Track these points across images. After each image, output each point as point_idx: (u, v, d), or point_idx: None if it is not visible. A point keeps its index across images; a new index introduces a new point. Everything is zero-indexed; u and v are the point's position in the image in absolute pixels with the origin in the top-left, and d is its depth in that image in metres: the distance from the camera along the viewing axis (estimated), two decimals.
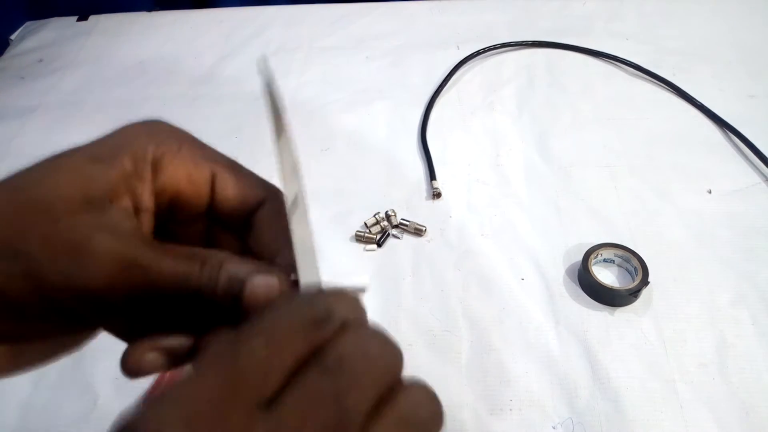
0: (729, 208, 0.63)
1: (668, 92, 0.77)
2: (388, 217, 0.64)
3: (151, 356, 0.25)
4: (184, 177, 0.26)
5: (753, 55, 0.81)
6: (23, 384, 0.54)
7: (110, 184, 0.24)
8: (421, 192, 0.67)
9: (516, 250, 0.61)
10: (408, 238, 0.63)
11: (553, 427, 0.48)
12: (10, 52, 0.93)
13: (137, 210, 0.25)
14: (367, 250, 0.62)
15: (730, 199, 0.64)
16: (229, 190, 0.26)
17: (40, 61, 0.89)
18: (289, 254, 0.25)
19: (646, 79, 0.79)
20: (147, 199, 0.25)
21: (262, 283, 0.24)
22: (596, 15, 0.90)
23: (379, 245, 0.62)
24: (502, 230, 0.63)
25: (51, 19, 0.98)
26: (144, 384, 0.52)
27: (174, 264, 0.23)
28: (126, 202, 0.24)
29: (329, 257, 0.61)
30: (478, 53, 0.83)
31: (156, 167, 0.25)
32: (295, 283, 0.25)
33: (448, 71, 0.81)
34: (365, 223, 0.63)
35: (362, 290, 0.25)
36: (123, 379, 0.57)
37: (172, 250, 0.24)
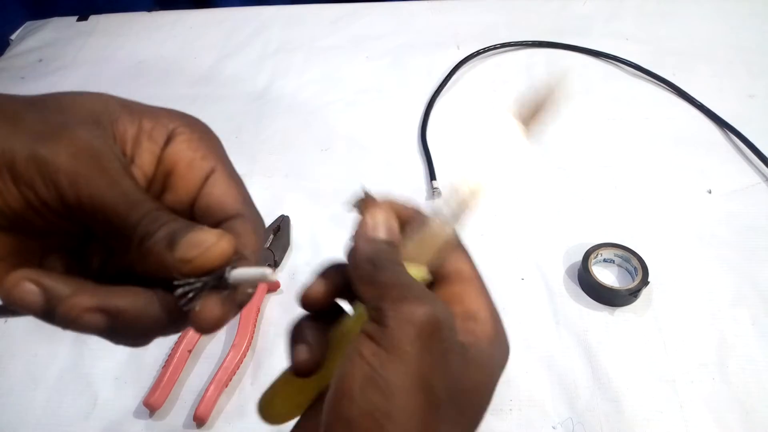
0: (729, 208, 0.63)
1: (668, 92, 0.77)
2: None
3: (28, 287, 0.22)
4: (186, 160, 0.26)
5: (753, 55, 0.81)
6: (23, 383, 0.54)
7: (121, 123, 0.25)
8: (421, 192, 0.67)
9: (516, 250, 0.61)
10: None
11: (553, 427, 0.48)
12: (10, 52, 0.93)
13: (131, 161, 0.26)
14: None
15: (730, 199, 0.64)
16: (217, 190, 0.26)
17: (40, 61, 0.90)
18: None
19: (646, 79, 0.79)
20: (147, 161, 0.26)
21: (202, 236, 0.23)
22: (596, 15, 0.90)
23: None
24: (502, 230, 0.63)
25: (51, 19, 0.98)
26: (144, 384, 0.52)
27: (132, 191, 0.23)
28: (126, 147, 0.26)
29: (329, 257, 0.61)
30: (478, 53, 0.83)
31: (170, 139, 0.26)
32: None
33: (448, 71, 0.81)
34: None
35: (269, 278, 0.24)
36: (123, 379, 0.57)
37: (135, 184, 0.24)
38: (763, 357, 0.51)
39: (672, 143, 0.70)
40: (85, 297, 0.22)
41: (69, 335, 0.56)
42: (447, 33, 0.89)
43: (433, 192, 0.66)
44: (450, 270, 0.29)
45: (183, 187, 0.26)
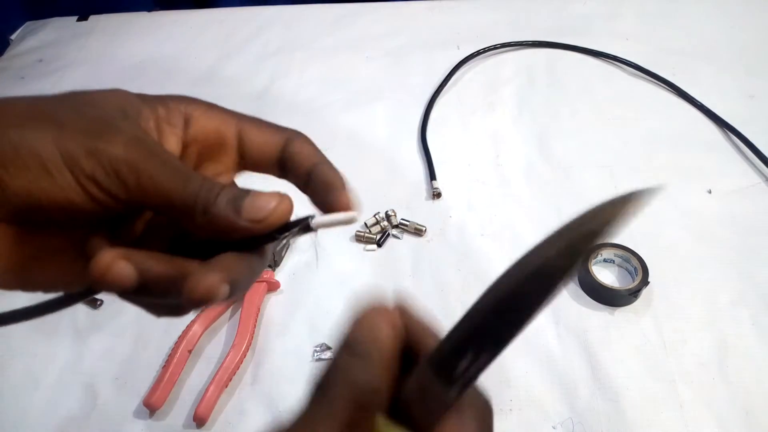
0: (729, 208, 0.63)
1: (668, 92, 0.77)
2: (388, 217, 0.64)
3: (122, 266, 0.24)
4: (213, 131, 0.28)
5: (753, 55, 0.81)
6: (23, 384, 0.54)
7: (143, 114, 0.27)
8: (421, 192, 0.67)
9: (516, 250, 0.60)
10: (408, 238, 0.63)
11: (553, 427, 0.48)
12: (10, 52, 0.93)
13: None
14: (367, 250, 0.62)
15: (730, 199, 0.64)
16: (254, 137, 0.29)
17: (40, 61, 0.90)
18: (323, 169, 0.28)
19: (646, 79, 0.79)
20: (173, 143, 0.28)
21: (264, 199, 0.25)
22: (596, 15, 0.90)
23: (379, 245, 0.62)
24: (502, 230, 0.63)
25: (51, 19, 0.98)
26: (144, 384, 0.52)
27: (182, 167, 0.25)
28: (152, 135, 0.27)
29: (329, 257, 0.61)
30: (478, 53, 0.83)
31: (187, 122, 0.28)
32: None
33: (448, 71, 0.81)
34: (365, 223, 0.63)
35: (352, 220, 0.27)
36: (123, 379, 0.57)
37: (182, 164, 0.26)
38: (763, 357, 0.51)
39: (672, 143, 0.70)
40: (213, 273, 0.24)
41: (69, 335, 0.56)
42: (447, 33, 0.89)
43: (434, 192, 0.66)
44: None
45: (223, 152, 0.29)
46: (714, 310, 0.55)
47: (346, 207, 0.27)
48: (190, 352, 0.54)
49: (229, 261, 0.25)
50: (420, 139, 0.73)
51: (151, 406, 0.50)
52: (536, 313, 0.20)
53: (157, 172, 0.24)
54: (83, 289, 0.27)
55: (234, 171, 0.30)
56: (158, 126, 0.28)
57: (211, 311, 0.56)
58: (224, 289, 0.24)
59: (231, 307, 0.58)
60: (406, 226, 0.63)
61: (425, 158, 0.70)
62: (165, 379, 0.51)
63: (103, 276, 0.24)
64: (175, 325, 0.56)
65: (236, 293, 0.25)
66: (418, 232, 0.63)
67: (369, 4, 0.96)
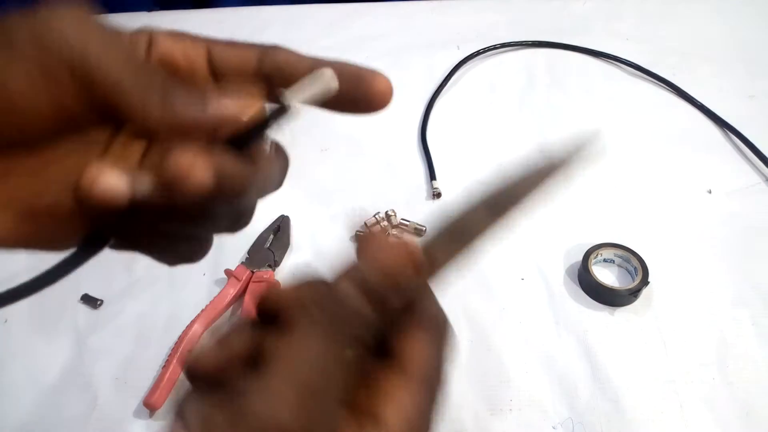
0: (729, 208, 0.63)
1: (668, 92, 0.77)
2: (388, 217, 0.64)
3: (114, 180, 0.21)
4: (180, 53, 0.25)
5: (753, 55, 0.81)
6: (23, 384, 0.54)
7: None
8: (421, 192, 0.67)
9: (516, 250, 0.61)
10: (408, 238, 0.63)
11: (553, 427, 0.48)
12: None
13: None
14: None
15: (730, 199, 0.64)
16: (226, 56, 0.26)
17: None
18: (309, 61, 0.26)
19: (646, 79, 0.79)
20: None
21: (234, 91, 0.23)
22: (596, 15, 0.90)
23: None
24: (501, 230, 0.62)
25: None
26: (144, 385, 0.52)
27: (142, 63, 0.23)
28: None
29: (329, 257, 0.61)
30: (478, 53, 0.83)
31: (150, 44, 0.25)
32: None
33: (448, 71, 0.81)
34: (365, 223, 0.63)
35: (328, 83, 0.25)
36: (123, 379, 0.57)
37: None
38: (763, 357, 0.51)
39: (672, 143, 0.70)
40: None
41: (69, 335, 0.56)
42: (447, 33, 0.89)
43: (434, 192, 0.66)
44: (395, 351, 0.23)
45: (193, 74, 0.26)
46: (714, 310, 0.55)
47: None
48: (190, 352, 0.53)
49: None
50: (420, 139, 0.73)
51: (151, 406, 0.50)
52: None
53: (110, 52, 0.22)
54: (91, 239, 0.24)
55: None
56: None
57: (211, 311, 0.56)
58: (112, 181, 0.21)
59: (231, 307, 0.58)
60: (406, 226, 0.63)
61: (425, 158, 0.70)
62: (165, 379, 0.51)
63: (184, 175, 0.21)
64: (175, 325, 0.56)
65: (225, 191, 0.23)
66: (418, 232, 0.63)
67: (369, 4, 0.96)
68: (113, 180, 0.21)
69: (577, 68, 0.82)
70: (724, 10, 0.89)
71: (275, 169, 0.26)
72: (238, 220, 0.27)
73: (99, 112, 0.22)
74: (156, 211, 0.23)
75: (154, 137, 0.23)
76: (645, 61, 0.80)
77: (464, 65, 0.82)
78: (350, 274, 0.24)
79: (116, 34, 0.23)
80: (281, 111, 0.23)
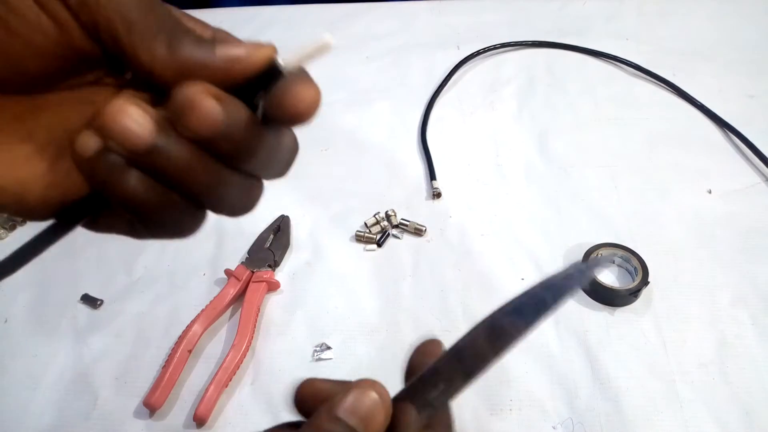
0: (729, 208, 0.63)
1: (668, 92, 0.77)
2: (388, 217, 0.64)
3: (211, 102, 0.20)
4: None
5: (753, 55, 0.81)
6: (23, 384, 0.54)
7: None
8: (421, 192, 0.67)
9: (516, 250, 0.61)
10: (408, 238, 0.63)
11: (553, 427, 0.48)
12: None
13: None
14: (367, 250, 0.62)
15: (730, 199, 0.64)
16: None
17: None
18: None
19: (646, 79, 0.79)
20: None
21: (241, 42, 0.22)
22: (596, 15, 0.90)
23: (379, 245, 0.62)
24: (502, 230, 0.63)
25: None
26: (144, 384, 0.52)
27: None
28: None
29: (329, 257, 0.61)
30: (478, 53, 0.83)
31: None
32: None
33: (448, 71, 0.81)
34: (365, 223, 0.63)
35: (326, 47, 0.24)
36: (123, 379, 0.57)
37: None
38: (763, 357, 0.51)
39: (672, 143, 0.70)
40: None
41: (69, 335, 0.56)
42: (447, 33, 0.89)
43: (434, 192, 0.66)
44: None
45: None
46: (714, 310, 0.55)
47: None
48: (190, 352, 0.54)
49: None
50: (420, 139, 0.73)
51: (151, 406, 0.50)
52: (487, 365, 0.24)
53: None
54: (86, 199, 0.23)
55: None
56: None
57: (211, 311, 0.56)
58: (136, 116, 0.20)
59: (231, 307, 0.58)
60: (406, 226, 0.63)
61: (425, 158, 0.70)
62: (165, 379, 0.51)
63: (190, 108, 0.20)
64: (175, 325, 0.56)
65: (233, 143, 0.22)
66: (418, 232, 0.63)
67: (369, 4, 0.96)
68: (139, 117, 0.20)
69: (577, 68, 0.82)
70: (724, 10, 0.89)
71: (284, 140, 0.25)
72: (243, 197, 0.25)
73: (106, 51, 0.22)
74: (159, 166, 0.22)
75: (160, 82, 0.22)
76: (645, 61, 0.80)
77: (464, 65, 0.82)
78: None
79: None
80: (273, 78, 0.23)
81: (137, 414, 0.51)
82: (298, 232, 0.64)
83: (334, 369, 0.53)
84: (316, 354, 0.54)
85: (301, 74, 0.24)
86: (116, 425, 0.50)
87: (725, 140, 0.70)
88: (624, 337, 0.53)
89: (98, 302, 0.59)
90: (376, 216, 0.63)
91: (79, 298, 0.59)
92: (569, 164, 0.69)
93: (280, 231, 0.62)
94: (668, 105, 0.76)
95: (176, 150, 0.21)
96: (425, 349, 0.28)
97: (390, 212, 0.64)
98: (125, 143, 0.21)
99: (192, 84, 0.21)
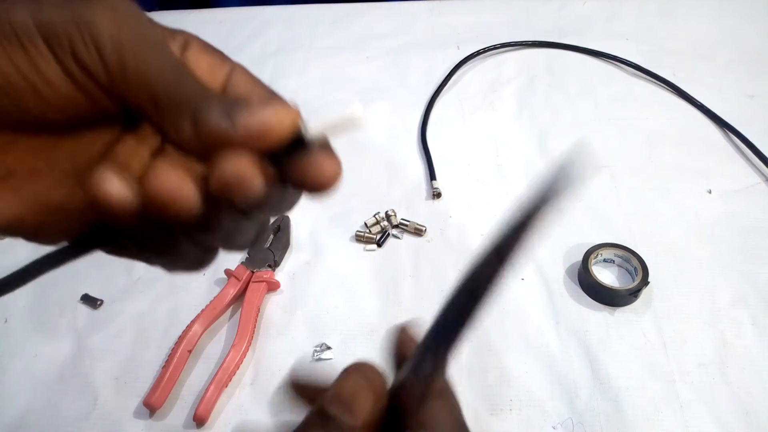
0: (729, 208, 0.63)
1: (668, 92, 0.77)
2: (388, 217, 0.64)
3: (116, 184, 0.20)
4: (207, 64, 0.25)
5: (753, 55, 0.81)
6: (23, 384, 0.54)
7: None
8: (421, 192, 0.67)
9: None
10: (408, 238, 0.63)
11: (553, 427, 0.48)
12: None
13: None
14: (367, 250, 0.62)
15: (730, 199, 0.64)
16: (242, 85, 0.25)
17: None
18: None
19: (646, 79, 0.79)
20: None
21: (266, 109, 0.22)
22: (596, 15, 0.90)
23: (379, 245, 0.62)
24: None
25: None
26: (144, 384, 0.52)
27: (177, 62, 0.22)
28: None
29: (329, 257, 0.61)
30: (478, 53, 0.83)
31: (185, 46, 0.25)
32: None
33: (448, 71, 0.81)
34: (365, 223, 0.63)
35: (356, 121, 0.23)
36: (123, 379, 0.57)
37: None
38: (763, 357, 0.51)
39: (672, 143, 0.70)
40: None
41: (69, 335, 0.56)
42: (447, 33, 0.89)
43: (434, 192, 0.66)
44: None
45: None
46: (714, 310, 0.55)
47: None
48: (190, 352, 0.54)
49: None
50: (420, 139, 0.73)
51: (151, 406, 0.50)
52: (471, 321, 0.22)
53: (145, 57, 0.21)
54: (91, 233, 0.24)
55: None
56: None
57: (211, 311, 0.56)
58: (115, 186, 0.21)
59: (231, 307, 0.58)
60: (406, 226, 0.63)
61: (425, 158, 0.70)
62: (165, 379, 0.51)
63: (236, 183, 0.21)
64: (175, 325, 0.56)
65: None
66: (418, 232, 0.63)
67: (369, 4, 0.96)
68: (117, 187, 0.21)
69: (577, 68, 0.82)
70: (724, 10, 0.89)
71: (299, 195, 0.26)
72: (251, 235, 0.26)
73: (127, 111, 0.22)
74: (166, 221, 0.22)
75: (182, 148, 0.23)
76: (645, 61, 0.80)
77: (464, 65, 0.82)
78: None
79: (153, 29, 0.22)
80: (297, 147, 0.22)
81: (137, 414, 0.51)
82: (298, 232, 0.64)
83: (334, 369, 0.53)
84: (316, 354, 0.54)
85: (326, 146, 0.24)
86: (116, 425, 0.50)
87: (725, 140, 0.70)
88: (624, 337, 0.53)
89: (98, 302, 0.59)
90: (376, 216, 0.63)
91: (79, 298, 0.59)
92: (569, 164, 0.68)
93: (280, 231, 0.62)
94: (668, 105, 0.76)
95: (198, 208, 0.22)
96: (401, 339, 0.29)
97: (390, 212, 0.64)
98: (111, 211, 0.21)
99: (237, 157, 0.21)
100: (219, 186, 0.21)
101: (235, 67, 0.26)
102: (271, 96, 0.26)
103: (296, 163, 0.23)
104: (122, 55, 0.21)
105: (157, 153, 0.25)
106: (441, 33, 0.89)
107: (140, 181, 0.21)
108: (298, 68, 0.85)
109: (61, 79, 0.21)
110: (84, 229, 0.24)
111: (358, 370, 0.25)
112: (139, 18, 0.22)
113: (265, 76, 0.89)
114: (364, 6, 0.96)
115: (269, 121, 0.22)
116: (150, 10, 0.98)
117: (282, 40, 0.90)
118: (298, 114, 0.22)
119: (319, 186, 0.24)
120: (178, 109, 0.21)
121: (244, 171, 0.21)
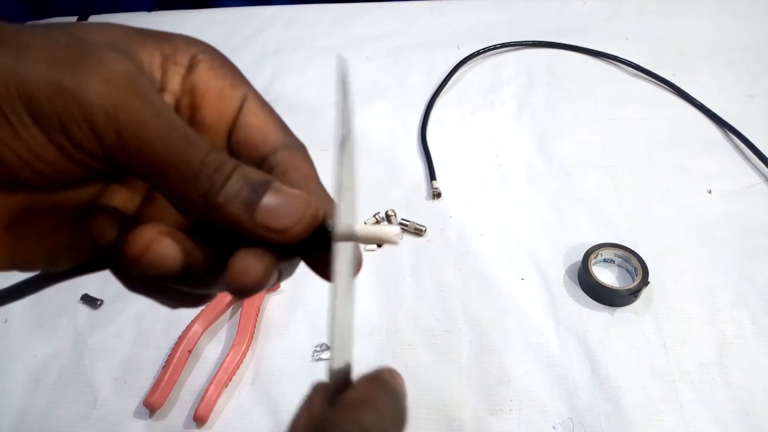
0: (729, 208, 0.63)
1: (668, 92, 0.77)
2: (388, 217, 0.64)
3: (167, 245, 0.19)
4: (216, 89, 0.23)
5: (753, 55, 0.81)
6: (23, 384, 0.54)
7: (144, 49, 0.21)
8: (421, 192, 0.67)
9: (516, 250, 0.61)
10: (408, 238, 0.63)
11: (553, 427, 0.48)
12: None
13: (163, 90, 0.23)
14: (367, 250, 0.62)
15: (730, 199, 0.64)
16: (255, 120, 0.23)
17: None
18: (318, 200, 0.22)
19: (646, 79, 0.79)
20: (175, 84, 0.22)
21: (291, 201, 0.20)
22: (596, 15, 0.90)
23: (379, 245, 0.62)
24: (502, 230, 0.63)
25: (51, 19, 0.98)
26: (144, 384, 0.52)
27: (182, 126, 0.19)
28: (154, 74, 0.22)
29: None
30: (478, 53, 0.83)
31: (192, 66, 0.23)
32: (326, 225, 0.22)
33: (448, 71, 0.81)
34: (365, 223, 0.63)
35: (391, 242, 0.22)
36: (123, 379, 0.57)
37: (184, 125, 0.20)
38: (763, 357, 0.51)
39: (672, 143, 0.70)
40: (261, 260, 0.20)
41: (69, 335, 0.56)
42: (447, 33, 0.89)
43: (433, 192, 0.66)
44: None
45: (216, 120, 0.23)
46: (714, 310, 0.55)
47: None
48: (190, 352, 0.54)
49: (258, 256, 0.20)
50: (420, 139, 0.73)
51: (151, 406, 0.50)
52: None
53: (146, 127, 0.19)
54: (87, 262, 0.23)
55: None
56: (164, 65, 0.22)
57: (211, 311, 0.56)
58: (274, 276, 0.20)
59: (231, 307, 0.58)
60: (406, 226, 0.63)
61: (425, 158, 0.70)
62: (165, 379, 0.51)
63: (141, 255, 0.19)
64: (175, 325, 0.56)
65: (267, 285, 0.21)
66: (418, 232, 0.63)
67: (369, 4, 0.96)
68: (171, 251, 0.20)
69: (577, 68, 0.82)
70: (724, 10, 0.89)
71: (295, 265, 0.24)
72: (196, 301, 0.27)
73: (127, 176, 0.22)
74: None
75: (185, 215, 0.21)
76: (645, 61, 0.80)
77: (464, 65, 0.82)
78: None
79: (152, 91, 0.20)
80: (323, 244, 0.21)
81: (137, 414, 0.51)
82: None
83: None
84: (316, 354, 0.54)
85: (353, 245, 0.23)
86: (116, 425, 0.50)
87: (725, 140, 0.70)
88: (624, 337, 0.53)
89: (98, 302, 0.59)
90: (376, 216, 0.63)
91: (79, 298, 0.59)
92: (569, 164, 0.69)
93: None
94: (668, 105, 0.76)
95: (181, 266, 0.21)
96: None
97: (390, 212, 0.64)
98: (155, 273, 0.20)
99: (247, 256, 0.20)
100: (230, 284, 0.20)
101: (247, 95, 0.24)
102: (290, 144, 0.24)
103: (314, 261, 0.22)
104: (118, 128, 0.18)
105: (146, 199, 0.24)
106: (441, 33, 0.89)
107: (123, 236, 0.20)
108: (298, 68, 0.85)
109: (53, 155, 0.19)
110: (82, 260, 0.24)
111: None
112: (136, 80, 0.19)
113: (265, 76, 0.90)
114: (364, 6, 0.96)
115: (293, 219, 0.20)
116: (150, 10, 0.98)
117: (282, 40, 0.90)
118: (318, 217, 0.21)
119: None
120: (186, 184, 0.19)
121: (257, 272, 0.20)
